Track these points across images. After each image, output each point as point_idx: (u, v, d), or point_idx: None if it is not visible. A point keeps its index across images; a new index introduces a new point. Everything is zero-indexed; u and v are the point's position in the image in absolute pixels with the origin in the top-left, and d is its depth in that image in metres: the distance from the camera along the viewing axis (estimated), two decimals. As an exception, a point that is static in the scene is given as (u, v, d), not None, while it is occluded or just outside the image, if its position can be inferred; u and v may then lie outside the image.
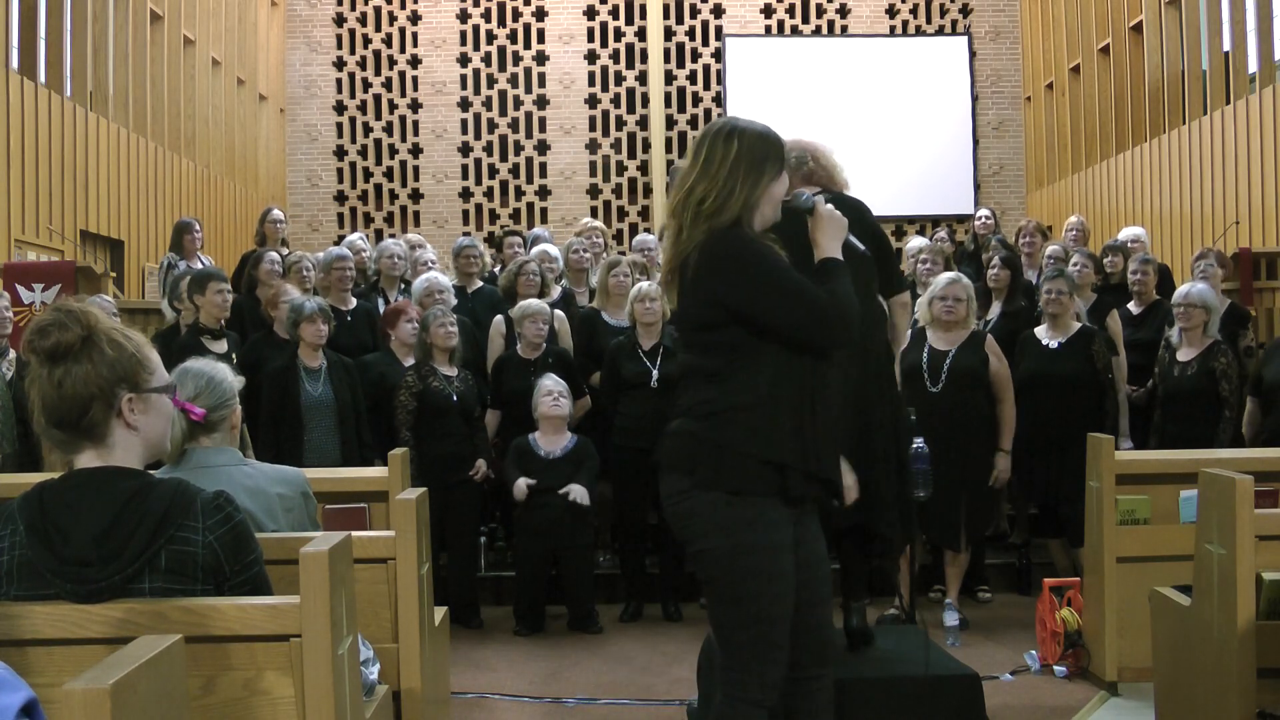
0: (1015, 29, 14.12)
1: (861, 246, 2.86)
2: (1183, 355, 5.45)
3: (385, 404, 5.46)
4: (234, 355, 5.22)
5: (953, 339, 5.15)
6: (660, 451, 2.60)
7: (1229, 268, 6.63)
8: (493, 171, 13.73)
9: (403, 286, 6.64)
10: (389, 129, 13.73)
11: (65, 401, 1.96)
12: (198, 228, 7.47)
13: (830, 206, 2.65)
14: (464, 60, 13.73)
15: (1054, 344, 5.42)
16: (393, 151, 13.73)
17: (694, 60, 13.80)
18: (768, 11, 13.83)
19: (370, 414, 5.45)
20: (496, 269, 7.40)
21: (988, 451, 5.17)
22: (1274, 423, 5.18)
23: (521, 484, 5.23)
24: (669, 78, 13.74)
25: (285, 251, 7.22)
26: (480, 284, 6.71)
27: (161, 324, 6.46)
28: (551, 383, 5.35)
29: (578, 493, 5.23)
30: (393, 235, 12.17)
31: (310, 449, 5.14)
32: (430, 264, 6.74)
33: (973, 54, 13.94)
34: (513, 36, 13.75)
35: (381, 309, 6.35)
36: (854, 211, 3.58)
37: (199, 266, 6.92)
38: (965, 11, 13.99)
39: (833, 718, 2.72)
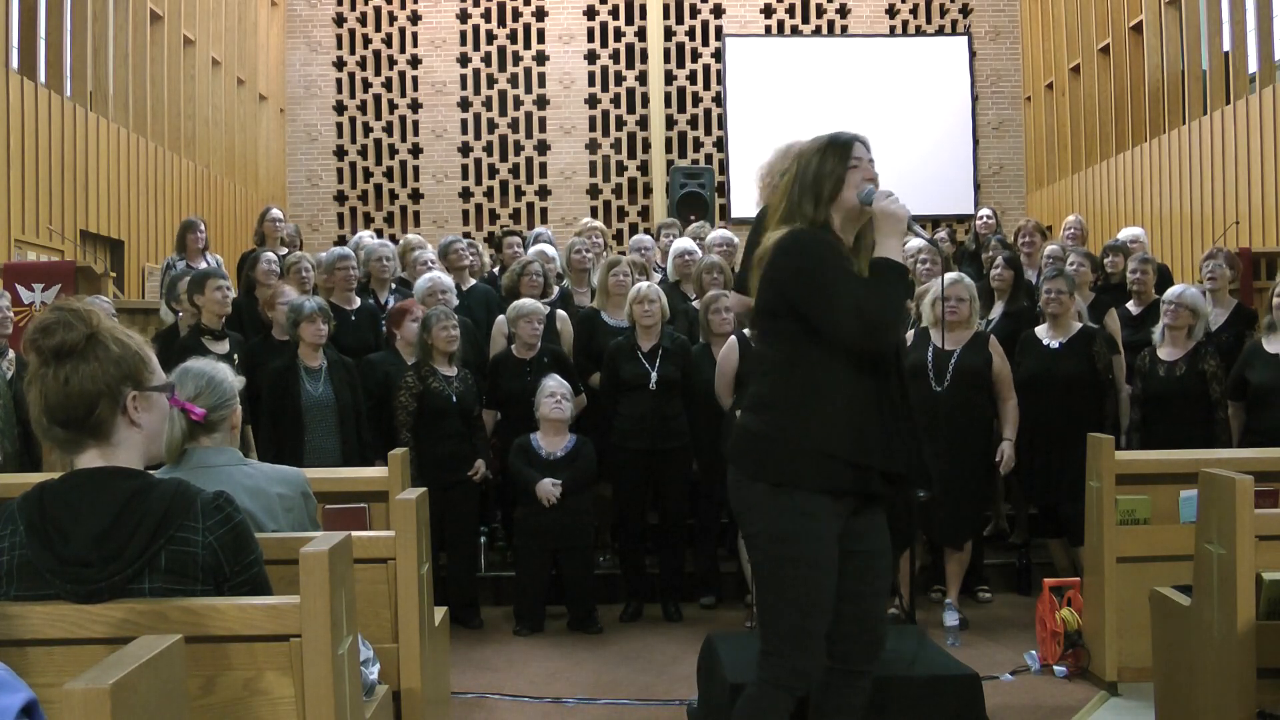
0: (1015, 29, 14.12)
1: (925, 235, 2.99)
2: (1166, 355, 5.42)
3: (389, 403, 5.46)
4: (235, 356, 5.22)
5: (956, 339, 5.15)
6: (726, 445, 2.77)
7: (1238, 268, 6.61)
8: (493, 171, 13.73)
9: (394, 287, 6.64)
10: (389, 129, 13.73)
11: (72, 399, 1.96)
12: (202, 227, 7.47)
13: (890, 201, 2.62)
14: (464, 60, 13.74)
15: (1055, 344, 5.42)
16: (393, 151, 13.74)
17: (694, 60, 13.80)
18: (768, 11, 13.84)
19: (373, 413, 5.45)
20: (495, 269, 7.40)
21: (987, 451, 5.17)
22: (1267, 423, 5.15)
23: (547, 484, 5.23)
24: (669, 78, 13.75)
25: (285, 251, 7.21)
26: (474, 282, 6.71)
27: (161, 325, 6.46)
28: (555, 384, 5.35)
29: (543, 488, 5.22)
30: (392, 235, 12.18)
31: (310, 449, 5.14)
32: (431, 264, 6.74)
33: (973, 54, 13.94)
34: (513, 36, 13.75)
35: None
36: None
37: (201, 267, 6.92)
38: (965, 11, 14.00)
39: (863, 716, 2.75)
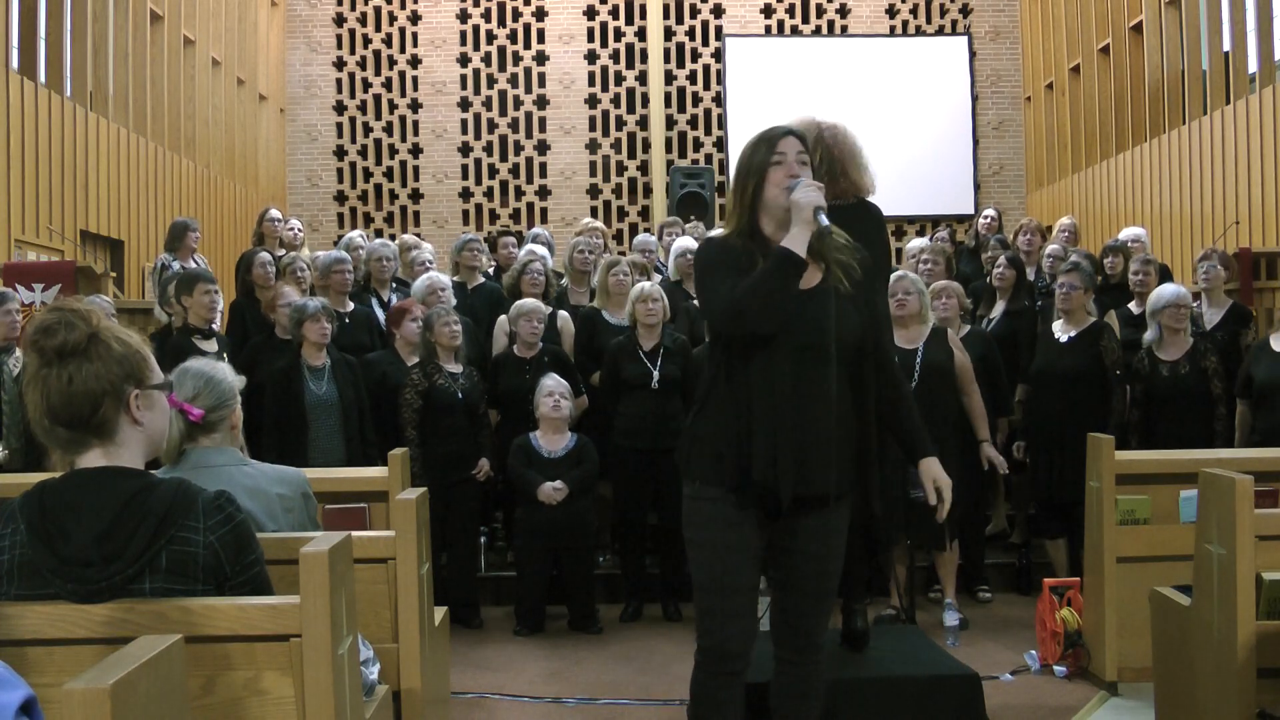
0: (1015, 29, 14.12)
1: (828, 224, 2.65)
2: (1167, 355, 5.41)
3: (387, 403, 5.46)
4: (224, 355, 5.21)
5: (914, 336, 5.11)
6: None
7: (1232, 268, 6.61)
8: (493, 171, 13.73)
9: (394, 286, 6.63)
10: (389, 129, 13.73)
11: (76, 399, 1.96)
12: (198, 227, 7.47)
13: (802, 189, 2.58)
14: (464, 60, 13.73)
15: (1064, 338, 5.42)
16: (393, 151, 13.73)
17: (694, 60, 13.80)
18: (768, 11, 13.83)
19: (372, 413, 5.45)
20: (491, 269, 7.41)
21: (960, 448, 5.14)
22: (1267, 422, 5.15)
23: (548, 488, 5.23)
24: (669, 78, 13.75)
25: (281, 252, 7.21)
26: (482, 280, 6.71)
27: (158, 325, 6.45)
28: (553, 383, 5.35)
29: (544, 492, 5.22)
30: (392, 235, 12.18)
31: (315, 448, 5.14)
32: (428, 264, 6.74)
33: (973, 54, 13.94)
34: (513, 36, 13.75)
35: (376, 310, 6.34)
36: (876, 222, 3.61)
37: (192, 266, 6.92)
38: (965, 11, 14.00)
39: (816, 709, 2.78)
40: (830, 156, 3.58)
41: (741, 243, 2.66)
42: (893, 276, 5.31)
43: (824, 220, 2.55)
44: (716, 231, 2.87)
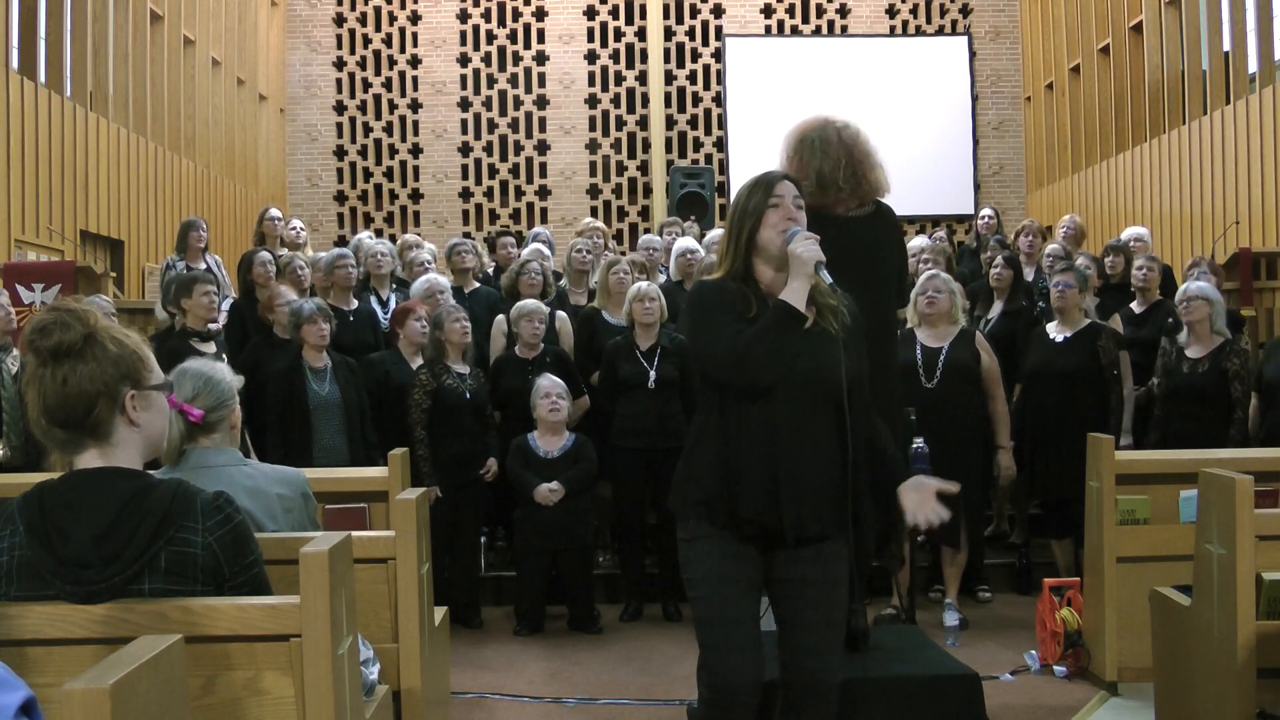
0: (1015, 29, 14.13)
1: (830, 280, 2.66)
2: (1192, 352, 5.39)
3: (390, 403, 5.45)
4: (223, 356, 5.21)
5: (941, 335, 5.14)
6: None
7: (1221, 275, 6.64)
8: (493, 171, 13.74)
9: (394, 286, 6.63)
10: (389, 129, 13.74)
11: (70, 399, 1.95)
12: (203, 227, 7.45)
13: (802, 243, 2.58)
14: (464, 60, 13.74)
15: (1060, 338, 5.42)
16: (393, 151, 13.74)
17: (694, 60, 13.81)
18: (768, 11, 13.84)
19: (374, 413, 5.45)
20: (490, 269, 7.41)
21: (982, 448, 5.16)
22: (1274, 420, 5.16)
23: (544, 490, 5.23)
24: (669, 78, 13.75)
25: (282, 251, 7.21)
26: (477, 285, 6.70)
27: (159, 326, 6.45)
28: (549, 384, 5.34)
29: (540, 494, 5.22)
30: (392, 235, 12.19)
31: (320, 448, 5.14)
32: (428, 265, 6.73)
33: (973, 54, 13.94)
34: (513, 36, 13.76)
35: (375, 308, 6.34)
36: (892, 225, 3.60)
37: (201, 267, 6.92)
38: (965, 11, 14.00)
39: None
40: (850, 159, 3.52)
41: (736, 286, 2.66)
42: (924, 275, 5.31)
43: (826, 276, 2.57)
44: (709, 267, 2.87)
